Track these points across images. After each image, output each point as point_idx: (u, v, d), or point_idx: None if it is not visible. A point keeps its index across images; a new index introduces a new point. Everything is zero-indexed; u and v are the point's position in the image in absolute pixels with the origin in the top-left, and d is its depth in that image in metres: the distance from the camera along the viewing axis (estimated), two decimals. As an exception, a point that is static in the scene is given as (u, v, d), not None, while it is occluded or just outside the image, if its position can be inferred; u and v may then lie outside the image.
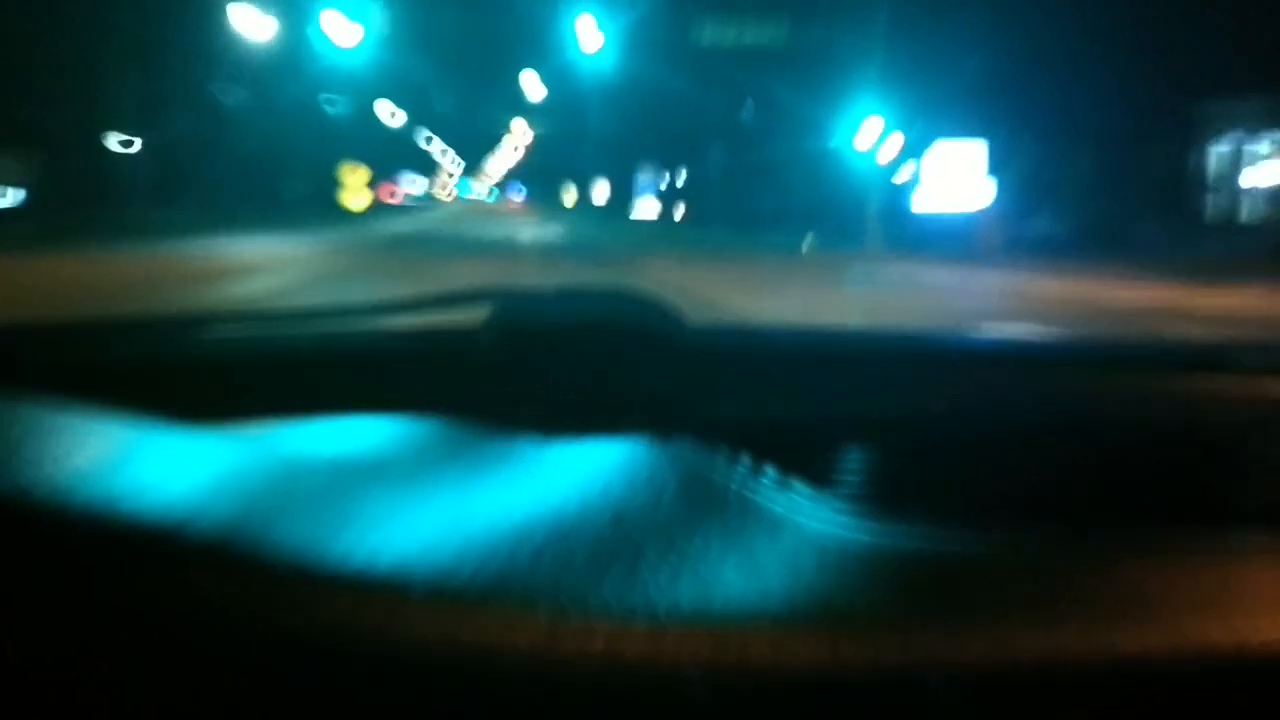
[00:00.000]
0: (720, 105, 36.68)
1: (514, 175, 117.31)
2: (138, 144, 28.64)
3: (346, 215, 32.07)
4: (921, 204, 23.12)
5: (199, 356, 0.89)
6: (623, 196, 33.31)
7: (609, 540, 0.43)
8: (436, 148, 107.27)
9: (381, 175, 74.34)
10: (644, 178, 21.62)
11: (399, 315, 0.96)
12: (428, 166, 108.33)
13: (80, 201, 22.44)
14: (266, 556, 0.34)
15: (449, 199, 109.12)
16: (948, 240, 21.35)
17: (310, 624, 0.33)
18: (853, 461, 0.71)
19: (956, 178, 22.80)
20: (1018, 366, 0.99)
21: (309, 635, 0.32)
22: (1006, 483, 0.67)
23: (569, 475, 0.53)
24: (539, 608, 0.36)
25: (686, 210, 36.97)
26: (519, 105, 61.21)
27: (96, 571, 0.31)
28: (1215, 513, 0.65)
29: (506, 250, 22.11)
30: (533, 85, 46.65)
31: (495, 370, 0.85)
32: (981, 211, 19.75)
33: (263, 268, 12.84)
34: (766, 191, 37.94)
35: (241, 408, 0.71)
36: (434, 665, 0.34)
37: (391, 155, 74.12)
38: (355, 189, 19.16)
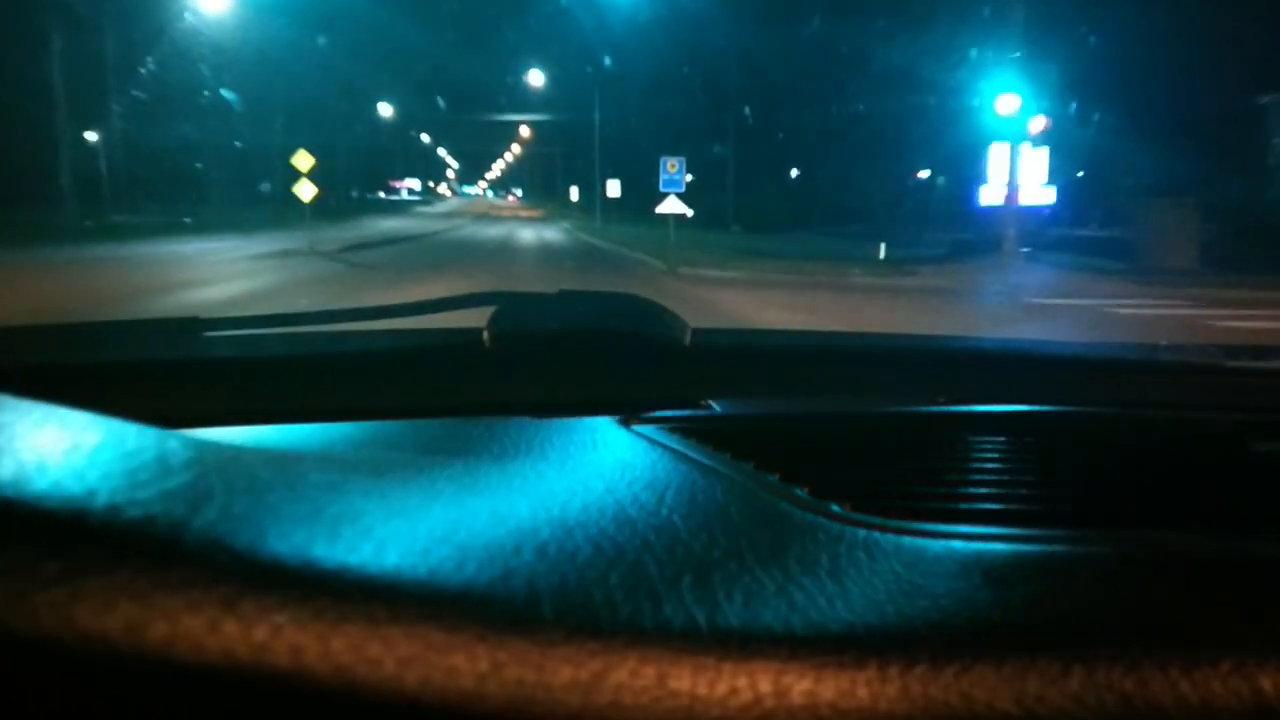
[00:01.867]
0: (766, 75, 31.72)
1: (516, 172, 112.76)
2: (96, 137, 25.32)
3: (331, 214, 30.14)
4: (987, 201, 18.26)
5: (202, 358, 0.88)
6: (642, 193, 28.49)
7: (613, 539, 0.41)
8: (436, 147, 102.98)
9: (380, 174, 73.39)
10: (669, 171, 16.32)
11: (404, 317, 0.95)
12: (428, 164, 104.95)
13: (27, 202, 20.51)
14: (263, 559, 0.32)
15: (449, 196, 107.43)
16: (1067, 244, 16.38)
17: (308, 625, 0.31)
18: (856, 462, 0.66)
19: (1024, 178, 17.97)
20: (1027, 369, 0.98)
21: (306, 637, 0.31)
22: (1012, 486, 0.63)
23: (572, 475, 0.52)
24: (543, 608, 0.35)
25: (719, 209, 32.18)
26: (522, 97, 56.22)
27: (82, 575, 0.30)
28: (1227, 517, 0.59)
29: (503, 258, 17.76)
30: (536, 74, 41.19)
31: (498, 371, 0.85)
32: (1156, 211, 14.48)
33: (219, 278, 11.30)
34: (822, 188, 33.27)
35: (244, 409, 0.71)
36: (438, 664, 0.32)
37: (390, 154, 71.35)
38: (304, 178, 14.45)
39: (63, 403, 0.40)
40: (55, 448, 0.35)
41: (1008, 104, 14.12)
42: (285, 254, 14.84)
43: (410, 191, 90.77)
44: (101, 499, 0.32)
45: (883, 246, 15.77)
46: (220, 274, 12.01)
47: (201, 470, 0.37)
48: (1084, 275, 13.11)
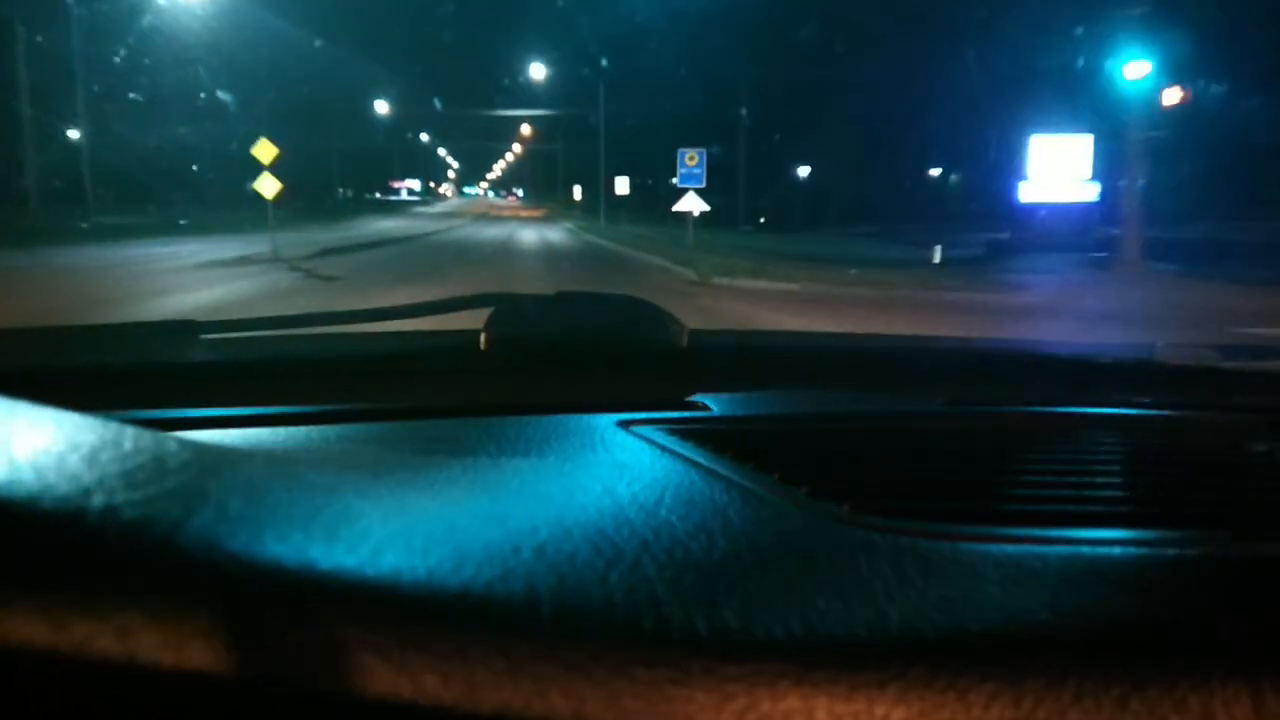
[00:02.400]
0: (772, 69, 29.36)
1: (516, 172, 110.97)
2: (79, 135, 24.27)
3: (323, 214, 29.25)
4: (1029, 196, 16.08)
5: (207, 360, 0.89)
6: (645, 192, 26.24)
7: (611, 540, 0.41)
8: (436, 148, 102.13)
9: (379, 175, 72.88)
10: (687, 164, 15.29)
11: (402, 319, 0.95)
12: (429, 165, 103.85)
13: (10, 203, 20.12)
14: (260, 560, 0.32)
15: (449, 197, 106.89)
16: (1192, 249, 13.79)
17: (305, 626, 0.31)
18: (855, 463, 0.65)
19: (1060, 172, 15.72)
20: (1025, 370, 0.99)
21: (304, 639, 0.31)
22: (995, 486, 0.62)
23: (570, 476, 0.52)
24: (541, 609, 0.34)
25: (728, 209, 29.86)
26: (523, 93, 53.76)
27: (83, 574, 0.29)
28: (1226, 518, 0.57)
29: (499, 265, 15.27)
30: (538, 68, 38.16)
31: (496, 373, 0.85)
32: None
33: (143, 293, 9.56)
34: (832, 186, 30.94)
35: (241, 411, 0.72)
36: (439, 657, 0.32)
37: (390, 155, 71.33)
38: (266, 172, 13.98)
39: (61, 406, 0.39)
40: (51, 449, 0.35)
41: (1137, 70, 11.45)
42: (241, 261, 12.53)
43: (410, 192, 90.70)
44: (98, 499, 0.32)
45: (938, 250, 13.39)
46: (147, 288, 9.77)
47: (198, 471, 0.36)
48: (1231, 288, 10.20)
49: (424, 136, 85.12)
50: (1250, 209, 13.25)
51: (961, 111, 22.96)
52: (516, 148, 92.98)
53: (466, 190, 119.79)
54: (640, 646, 0.33)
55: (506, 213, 53.66)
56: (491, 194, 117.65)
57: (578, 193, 40.56)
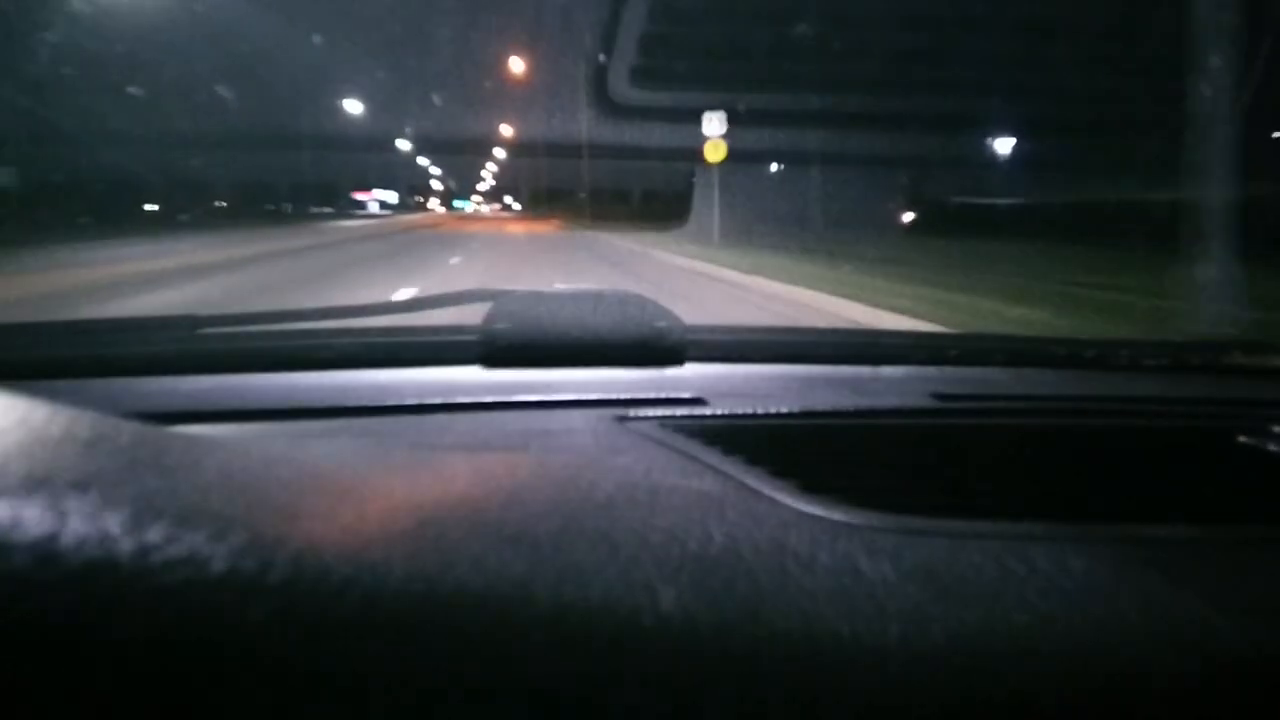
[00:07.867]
0: None
1: (513, 178, 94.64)
2: None
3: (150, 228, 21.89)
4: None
5: (200, 354, 0.88)
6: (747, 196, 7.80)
7: (608, 535, 0.40)
8: (424, 160, 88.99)
9: (349, 186, 67.39)
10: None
11: (400, 313, 0.94)
12: (401, 175, 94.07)
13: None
14: (250, 551, 0.31)
15: (434, 209, 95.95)
16: None
17: (300, 619, 0.30)
18: (850, 459, 0.65)
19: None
20: (1020, 365, 0.97)
21: (301, 637, 0.30)
22: (1002, 481, 0.63)
23: (566, 471, 0.50)
24: (538, 606, 0.33)
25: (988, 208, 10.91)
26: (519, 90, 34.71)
27: (82, 570, 0.28)
28: (1215, 511, 0.57)
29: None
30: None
31: (494, 366, 0.84)
32: None
33: None
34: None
35: (236, 406, 0.71)
36: (432, 659, 0.31)
37: (369, 167, 67.21)
38: None
39: (59, 400, 0.38)
40: (42, 442, 0.34)
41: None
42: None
43: (383, 205, 79.83)
44: (94, 491, 0.32)
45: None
46: None
47: (189, 463, 0.35)
48: None
49: (415, 147, 67.87)
50: None
51: None
52: (507, 131, 74.78)
53: (457, 204, 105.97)
54: (640, 642, 0.33)
55: (477, 227, 33.25)
56: (484, 209, 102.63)
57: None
